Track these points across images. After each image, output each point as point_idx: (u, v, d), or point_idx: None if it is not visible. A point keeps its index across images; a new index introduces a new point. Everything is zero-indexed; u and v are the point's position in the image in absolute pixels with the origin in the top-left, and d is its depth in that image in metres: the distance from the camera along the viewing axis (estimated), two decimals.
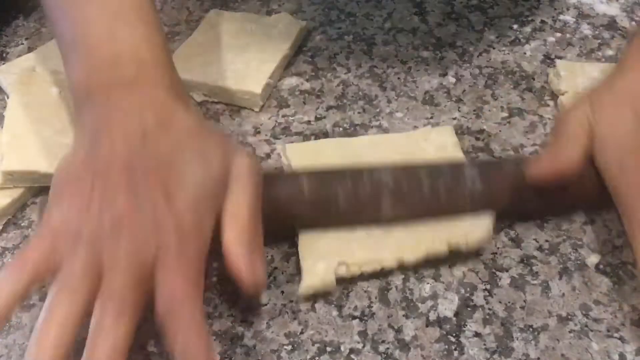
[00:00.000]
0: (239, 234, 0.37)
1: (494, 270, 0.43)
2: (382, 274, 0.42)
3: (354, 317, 0.41)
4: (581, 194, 0.43)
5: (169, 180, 0.37)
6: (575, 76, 0.53)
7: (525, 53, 0.58)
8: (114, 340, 0.33)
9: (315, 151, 0.48)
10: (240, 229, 0.38)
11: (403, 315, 0.41)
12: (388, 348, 0.39)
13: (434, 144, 0.48)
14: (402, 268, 0.42)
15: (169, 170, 0.37)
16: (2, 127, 0.51)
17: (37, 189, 0.48)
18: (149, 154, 0.37)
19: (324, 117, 0.53)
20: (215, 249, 0.38)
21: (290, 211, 0.42)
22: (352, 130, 0.52)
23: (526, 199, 0.43)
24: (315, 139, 0.51)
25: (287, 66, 0.58)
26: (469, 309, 0.41)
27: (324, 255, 0.42)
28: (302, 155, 0.47)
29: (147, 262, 0.35)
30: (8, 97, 0.54)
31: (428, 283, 0.42)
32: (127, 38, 0.43)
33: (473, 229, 0.42)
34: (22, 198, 0.47)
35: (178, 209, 0.36)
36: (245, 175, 0.39)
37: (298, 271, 0.43)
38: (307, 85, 0.56)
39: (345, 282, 0.42)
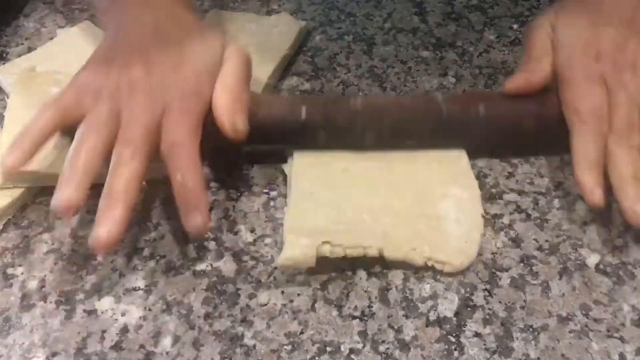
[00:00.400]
0: (226, 90, 0.45)
1: (494, 270, 0.43)
2: (367, 260, 0.43)
3: (354, 317, 0.41)
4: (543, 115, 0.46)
5: (176, 57, 0.46)
6: None
7: None
8: (129, 173, 0.41)
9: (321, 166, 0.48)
10: (228, 88, 0.45)
11: (403, 315, 0.41)
12: (388, 348, 0.39)
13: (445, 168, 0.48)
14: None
15: (177, 50, 0.46)
16: (2, 127, 0.51)
17: (37, 189, 0.48)
18: (161, 40, 0.46)
19: None
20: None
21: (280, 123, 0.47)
22: None
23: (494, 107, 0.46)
24: None
25: (287, 66, 0.58)
26: (469, 309, 0.41)
27: (310, 232, 0.42)
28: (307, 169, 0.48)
29: (156, 114, 0.43)
30: (8, 97, 0.54)
31: (428, 283, 0.42)
32: None
33: (457, 255, 0.42)
34: (22, 198, 0.47)
35: (183, 76, 0.45)
36: (235, 56, 0.47)
37: (298, 271, 0.43)
38: (307, 85, 0.56)
39: (332, 267, 0.42)
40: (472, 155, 0.48)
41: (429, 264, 0.42)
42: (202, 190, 0.42)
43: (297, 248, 0.41)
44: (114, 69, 0.45)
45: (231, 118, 0.44)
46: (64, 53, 0.57)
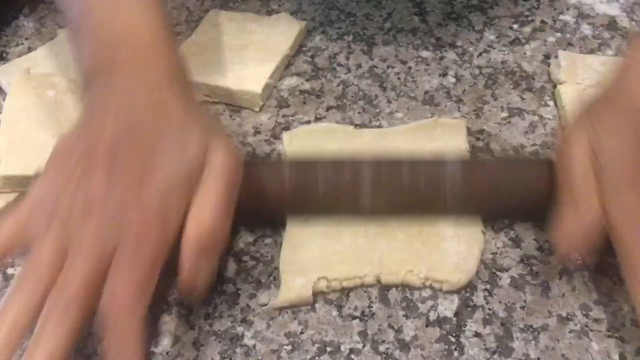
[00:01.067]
0: (195, 234, 0.38)
1: (494, 270, 0.43)
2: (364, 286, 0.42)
3: (354, 317, 0.41)
4: None
5: (145, 166, 0.38)
6: (575, 67, 0.54)
7: (525, 53, 0.58)
8: (50, 346, 0.34)
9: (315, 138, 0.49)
10: (199, 228, 0.38)
11: (403, 315, 0.41)
12: (388, 348, 0.39)
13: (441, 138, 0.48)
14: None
15: (147, 158, 0.38)
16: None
17: None
18: (132, 138, 0.39)
19: (324, 117, 0.53)
20: None
21: (273, 198, 0.43)
22: None
23: (506, 200, 0.43)
24: None
25: (287, 66, 0.58)
26: (469, 309, 0.41)
27: (305, 269, 0.42)
28: (301, 142, 0.48)
29: (106, 253, 0.36)
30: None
31: None
32: (129, 21, 0.45)
33: (454, 273, 0.41)
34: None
35: (145, 202, 0.37)
36: (218, 168, 0.39)
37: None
38: (307, 85, 0.56)
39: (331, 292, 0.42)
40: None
41: (427, 284, 0.42)
42: None
43: (293, 290, 0.41)
44: (74, 178, 0.37)
45: (191, 272, 0.38)
46: (64, 53, 0.57)
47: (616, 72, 0.43)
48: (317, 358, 0.39)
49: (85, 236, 0.36)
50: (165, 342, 0.40)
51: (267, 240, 0.45)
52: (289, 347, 0.40)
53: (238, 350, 0.40)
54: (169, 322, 0.41)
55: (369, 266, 0.42)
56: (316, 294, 0.42)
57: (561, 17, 0.61)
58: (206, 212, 0.38)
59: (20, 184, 0.47)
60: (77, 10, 0.47)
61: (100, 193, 0.37)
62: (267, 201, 0.43)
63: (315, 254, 0.43)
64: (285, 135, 0.51)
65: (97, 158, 0.38)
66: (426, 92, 0.55)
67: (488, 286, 0.42)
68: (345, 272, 0.42)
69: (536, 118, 0.52)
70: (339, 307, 0.41)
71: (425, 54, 0.58)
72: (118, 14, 0.45)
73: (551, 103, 0.53)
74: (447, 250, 0.42)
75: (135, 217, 0.36)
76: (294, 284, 0.41)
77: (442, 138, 0.49)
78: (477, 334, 0.40)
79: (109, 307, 0.35)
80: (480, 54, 0.58)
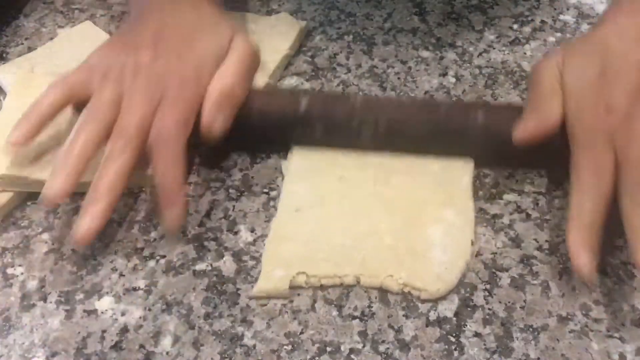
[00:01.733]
0: (218, 86, 0.46)
1: (494, 270, 0.43)
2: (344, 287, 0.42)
3: (354, 317, 0.41)
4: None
5: (184, 45, 0.48)
6: None
7: (525, 53, 0.58)
8: (117, 167, 0.43)
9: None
10: (220, 86, 0.46)
11: (403, 315, 0.41)
12: (388, 348, 0.39)
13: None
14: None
15: (186, 38, 0.48)
16: None
17: (26, 193, 0.48)
18: (175, 26, 0.49)
19: None
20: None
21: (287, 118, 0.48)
22: None
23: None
24: None
25: (287, 66, 0.58)
26: (469, 309, 0.41)
27: (286, 262, 0.42)
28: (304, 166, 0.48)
29: (153, 102, 0.45)
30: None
31: None
32: None
33: (434, 282, 0.41)
34: (10, 203, 0.47)
35: (185, 63, 0.47)
36: (240, 50, 0.49)
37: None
38: (307, 85, 0.56)
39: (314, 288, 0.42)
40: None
41: (405, 290, 0.41)
42: (179, 187, 0.44)
43: (270, 281, 0.42)
44: (124, 51, 0.47)
45: (211, 114, 0.45)
46: (64, 53, 0.57)
47: (594, 25, 0.49)
48: (317, 358, 0.39)
49: (136, 88, 0.45)
50: (165, 342, 0.40)
51: (267, 240, 0.45)
52: (289, 347, 0.40)
53: (238, 350, 0.40)
54: (169, 322, 0.41)
55: (350, 267, 0.42)
56: (294, 288, 0.42)
57: (561, 17, 0.61)
58: (228, 76, 0.47)
59: (13, 184, 0.47)
60: None
61: (147, 61, 0.46)
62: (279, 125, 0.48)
63: (300, 249, 0.43)
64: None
65: (145, 39, 0.48)
66: (426, 92, 0.55)
67: (488, 286, 0.42)
68: (325, 269, 0.42)
69: None
70: (339, 307, 0.41)
71: (425, 54, 0.58)
72: None
73: None
74: (431, 259, 0.42)
75: (176, 78, 0.46)
76: (273, 275, 0.42)
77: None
78: (477, 334, 0.40)
79: (157, 138, 0.44)
80: (480, 54, 0.58)
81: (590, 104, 0.42)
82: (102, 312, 0.42)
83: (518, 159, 0.47)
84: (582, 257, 0.38)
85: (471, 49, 0.58)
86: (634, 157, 0.40)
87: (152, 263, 0.44)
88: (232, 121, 0.46)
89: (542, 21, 0.61)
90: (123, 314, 0.41)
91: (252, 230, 0.46)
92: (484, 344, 0.39)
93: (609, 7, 0.48)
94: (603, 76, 0.42)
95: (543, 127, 0.43)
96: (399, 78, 0.56)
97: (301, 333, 0.40)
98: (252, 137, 0.49)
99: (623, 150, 0.40)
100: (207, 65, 0.47)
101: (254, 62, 0.50)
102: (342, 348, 0.39)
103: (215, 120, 0.45)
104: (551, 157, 0.46)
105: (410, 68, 0.57)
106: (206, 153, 0.50)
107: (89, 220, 0.41)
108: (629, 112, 0.41)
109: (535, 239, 0.44)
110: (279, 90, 0.54)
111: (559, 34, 0.59)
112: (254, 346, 0.40)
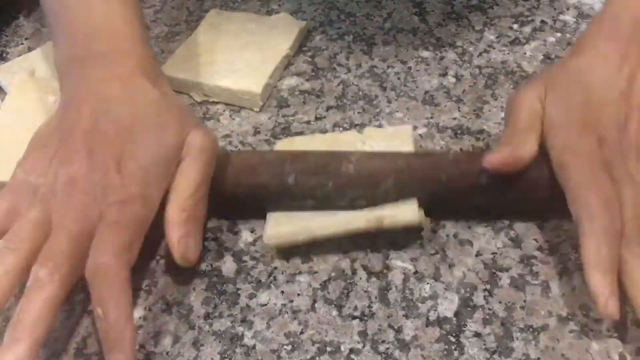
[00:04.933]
0: (179, 206, 0.40)
1: (494, 270, 0.43)
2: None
3: (354, 317, 0.41)
4: (532, 182, 0.43)
5: (124, 148, 0.40)
6: None
7: (525, 53, 0.58)
8: (43, 298, 0.36)
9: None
10: (182, 201, 0.40)
11: (403, 315, 0.41)
12: (388, 348, 0.39)
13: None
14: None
15: (126, 138, 0.41)
16: None
17: None
18: (110, 122, 0.41)
19: (324, 117, 0.53)
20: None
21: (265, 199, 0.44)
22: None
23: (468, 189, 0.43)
24: None
25: (287, 66, 0.58)
26: (469, 309, 0.41)
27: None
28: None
29: (89, 224, 0.38)
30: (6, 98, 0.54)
31: (428, 283, 0.42)
32: (103, 14, 0.47)
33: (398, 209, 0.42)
34: None
35: (126, 176, 0.39)
36: (197, 151, 0.42)
37: (299, 271, 0.43)
38: (307, 85, 0.56)
39: (345, 278, 0.42)
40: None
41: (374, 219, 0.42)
42: (125, 326, 0.36)
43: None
44: (54, 162, 0.40)
45: (183, 247, 0.40)
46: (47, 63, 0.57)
47: (575, 45, 0.47)
48: (317, 358, 0.39)
49: (70, 207, 0.38)
50: (165, 342, 0.40)
51: None
52: (289, 347, 0.40)
53: (238, 350, 0.40)
54: (169, 322, 0.41)
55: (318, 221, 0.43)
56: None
57: (561, 17, 0.61)
58: (188, 194, 0.41)
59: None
60: (53, 7, 0.49)
61: (81, 173, 0.39)
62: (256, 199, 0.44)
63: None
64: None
65: (76, 142, 0.40)
66: (426, 92, 0.55)
67: (488, 286, 0.42)
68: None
69: None
70: (339, 307, 0.41)
71: (425, 54, 0.58)
72: (92, 8, 0.47)
73: None
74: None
75: (118, 192, 0.39)
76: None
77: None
78: (477, 334, 0.40)
79: (95, 272, 0.37)
80: (480, 54, 0.58)
81: (580, 136, 0.41)
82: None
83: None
84: (612, 304, 0.36)
85: (471, 49, 0.58)
86: (630, 200, 0.38)
87: (152, 263, 0.44)
88: (201, 239, 0.43)
89: (542, 21, 0.61)
90: None
91: (252, 231, 0.46)
92: (484, 344, 0.39)
93: (589, 29, 0.46)
94: (589, 107, 0.41)
95: (514, 161, 0.41)
96: (399, 78, 0.56)
97: (301, 333, 0.40)
98: (230, 208, 0.46)
99: (619, 188, 0.39)
100: (153, 177, 0.40)
101: (212, 161, 0.43)
102: (342, 348, 0.39)
103: (189, 251, 0.41)
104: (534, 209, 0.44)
105: (410, 68, 0.57)
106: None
107: None
108: (621, 145, 0.40)
109: (535, 239, 0.44)
110: (260, 161, 0.45)
111: (559, 34, 0.59)
112: (254, 346, 0.40)
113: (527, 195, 0.43)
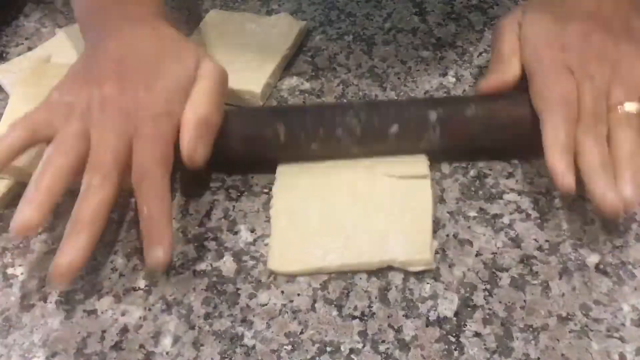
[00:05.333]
0: (193, 116, 0.44)
1: (494, 270, 0.43)
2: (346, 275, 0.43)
3: (354, 317, 0.41)
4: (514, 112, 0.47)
5: (150, 75, 0.45)
6: None
7: None
8: (98, 200, 0.40)
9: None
10: (196, 112, 0.44)
11: (403, 315, 0.41)
12: (388, 348, 0.39)
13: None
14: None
15: (151, 68, 0.45)
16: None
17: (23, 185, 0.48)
18: (137, 54, 0.46)
19: None
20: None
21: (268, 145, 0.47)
22: None
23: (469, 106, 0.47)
24: None
25: (287, 66, 0.58)
26: (469, 309, 0.41)
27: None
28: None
29: (126, 137, 0.43)
30: (9, 97, 0.54)
31: (428, 283, 0.42)
32: None
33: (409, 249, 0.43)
34: (12, 191, 0.48)
35: (155, 96, 0.44)
36: (209, 74, 0.46)
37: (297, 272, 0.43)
38: (307, 85, 0.56)
39: (344, 279, 0.42)
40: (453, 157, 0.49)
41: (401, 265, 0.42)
42: (166, 224, 0.41)
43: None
44: (88, 85, 0.44)
45: (191, 145, 0.43)
46: (63, 52, 0.57)
47: None
48: (317, 358, 0.39)
49: (106, 123, 0.43)
50: (165, 342, 0.40)
51: (267, 240, 0.45)
52: (289, 347, 0.40)
53: (238, 350, 0.40)
54: (169, 322, 0.41)
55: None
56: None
57: None
58: (201, 104, 0.45)
59: (10, 172, 0.47)
60: None
61: (113, 94, 0.44)
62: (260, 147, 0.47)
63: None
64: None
65: (107, 69, 0.45)
66: (426, 92, 0.55)
67: (488, 286, 0.42)
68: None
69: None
70: (339, 307, 0.41)
71: (425, 54, 0.58)
72: None
73: None
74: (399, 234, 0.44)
75: (147, 113, 0.43)
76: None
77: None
78: (477, 334, 0.40)
79: (141, 177, 0.42)
80: (480, 54, 0.58)
81: (545, 46, 0.46)
82: (102, 312, 0.42)
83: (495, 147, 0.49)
84: (567, 177, 0.41)
85: (471, 49, 0.58)
86: (587, 94, 0.44)
87: None
88: (211, 147, 0.45)
89: None
90: (123, 314, 0.41)
91: (252, 230, 0.46)
92: (484, 344, 0.39)
93: None
94: (558, 23, 0.47)
95: (502, 83, 0.47)
96: (399, 78, 0.56)
97: (301, 333, 0.40)
98: (232, 160, 0.48)
99: (579, 84, 0.44)
100: (177, 96, 0.45)
101: (223, 85, 0.48)
102: (342, 348, 0.39)
103: (196, 151, 0.44)
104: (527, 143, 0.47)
105: (410, 68, 0.57)
106: (184, 177, 0.49)
107: (72, 254, 0.39)
108: (583, 52, 0.45)
109: (535, 239, 0.44)
110: (256, 111, 0.51)
111: None
112: (254, 346, 0.40)
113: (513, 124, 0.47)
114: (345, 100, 0.54)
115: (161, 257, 0.40)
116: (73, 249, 0.39)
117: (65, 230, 0.40)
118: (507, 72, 0.47)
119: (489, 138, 0.47)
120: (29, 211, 0.39)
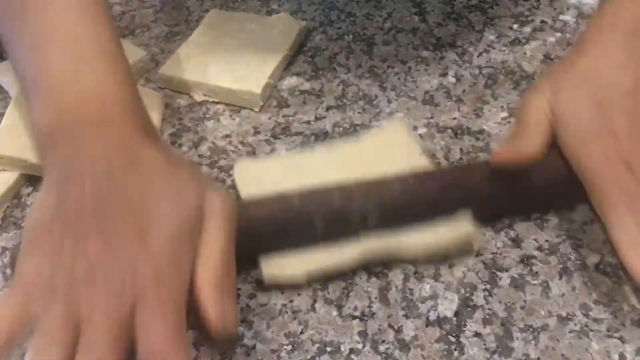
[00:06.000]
0: (211, 277, 0.36)
1: (494, 270, 0.43)
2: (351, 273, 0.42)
3: (354, 317, 0.41)
4: (548, 179, 0.43)
5: (141, 223, 0.35)
6: None
7: (525, 53, 0.58)
8: None
9: (264, 170, 0.47)
10: (213, 271, 0.36)
11: (403, 315, 0.41)
12: (388, 348, 0.39)
13: (389, 147, 0.47)
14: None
15: (140, 212, 0.36)
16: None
17: (28, 176, 0.49)
18: (118, 196, 0.36)
19: (324, 117, 0.53)
20: None
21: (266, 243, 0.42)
22: (352, 131, 0.52)
23: (493, 192, 0.43)
24: (315, 139, 0.51)
25: (287, 66, 0.58)
26: (469, 309, 0.41)
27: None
28: (251, 175, 0.47)
29: (125, 311, 0.33)
30: (9, 97, 0.54)
31: (428, 283, 0.42)
32: (91, 78, 0.42)
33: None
34: (16, 186, 0.49)
35: (153, 252, 0.35)
36: (219, 214, 0.38)
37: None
38: (307, 85, 0.56)
39: (345, 281, 0.42)
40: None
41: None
42: None
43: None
44: (66, 249, 0.34)
45: (221, 321, 0.36)
46: None
47: (577, 44, 0.47)
48: (317, 358, 0.39)
49: (97, 299, 0.33)
50: None
51: None
52: (289, 347, 0.40)
53: (238, 350, 0.40)
54: None
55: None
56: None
57: (561, 17, 0.61)
58: (216, 258, 0.37)
59: (13, 165, 0.48)
60: (32, 66, 0.43)
61: (100, 257, 0.34)
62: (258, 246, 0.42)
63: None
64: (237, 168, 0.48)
65: (85, 224, 0.35)
66: (426, 92, 0.55)
67: (488, 286, 0.42)
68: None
69: None
70: (339, 307, 0.41)
71: (425, 54, 0.58)
72: (79, 72, 0.42)
73: None
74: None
75: (148, 270, 0.34)
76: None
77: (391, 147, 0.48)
78: (477, 334, 0.40)
79: (153, 351, 0.33)
80: (480, 54, 0.58)
81: (595, 136, 0.41)
82: None
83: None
84: None
85: (471, 49, 0.58)
86: None
87: None
88: (236, 303, 0.39)
89: (542, 21, 0.61)
90: None
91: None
92: (484, 344, 0.39)
93: (590, 26, 0.47)
94: (599, 108, 0.42)
95: (520, 156, 0.42)
96: (399, 78, 0.56)
97: (301, 333, 0.40)
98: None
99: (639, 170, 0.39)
100: (181, 246, 0.36)
101: (234, 221, 0.39)
102: (342, 348, 0.39)
103: (226, 318, 0.36)
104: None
105: (410, 68, 0.57)
106: None
107: None
108: (632, 135, 0.40)
109: (535, 239, 0.44)
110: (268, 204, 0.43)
111: (559, 34, 0.59)
112: (254, 346, 0.40)
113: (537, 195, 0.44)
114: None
115: None
116: None
117: None
118: (526, 146, 0.43)
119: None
120: None
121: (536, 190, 0.44)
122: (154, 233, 0.35)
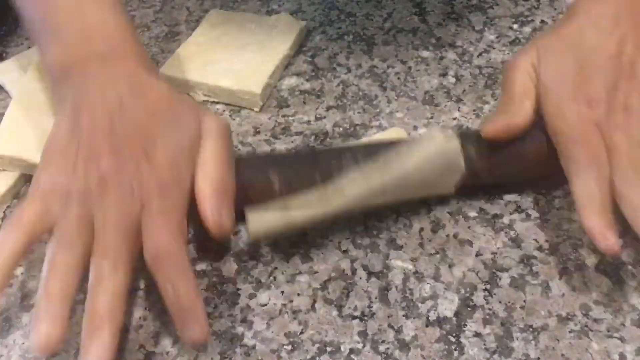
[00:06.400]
0: (208, 183, 0.41)
1: (494, 270, 0.43)
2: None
3: (354, 317, 0.41)
4: (531, 148, 0.44)
5: (147, 142, 0.41)
6: None
7: None
8: (113, 288, 0.37)
9: None
10: (210, 178, 0.41)
11: (403, 315, 0.41)
12: (388, 348, 0.39)
13: None
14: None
15: (147, 133, 0.41)
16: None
17: (28, 176, 0.49)
18: (127, 120, 0.41)
19: (324, 117, 0.53)
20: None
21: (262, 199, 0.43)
22: (352, 131, 0.52)
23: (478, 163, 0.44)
24: (315, 139, 0.51)
25: (287, 66, 0.58)
26: (469, 309, 0.41)
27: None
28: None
29: (133, 216, 0.39)
30: (9, 96, 0.54)
31: (428, 283, 0.42)
32: (96, 14, 0.47)
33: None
34: (17, 185, 0.49)
35: (158, 166, 0.40)
36: (215, 132, 0.43)
37: (298, 271, 0.43)
38: (307, 85, 0.56)
39: (346, 279, 0.42)
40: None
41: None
42: (197, 301, 0.38)
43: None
44: (80, 163, 0.39)
45: (217, 217, 0.40)
46: None
47: (566, 13, 0.48)
48: (317, 358, 0.39)
49: (109, 205, 0.38)
50: (165, 342, 0.40)
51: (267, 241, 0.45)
52: (289, 347, 0.40)
53: (238, 350, 0.40)
54: (168, 322, 0.41)
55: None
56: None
57: (561, 17, 0.61)
58: (214, 167, 0.41)
59: (13, 165, 0.49)
60: (39, 10, 0.48)
61: (111, 170, 0.39)
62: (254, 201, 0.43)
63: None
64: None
65: (98, 141, 0.40)
66: (426, 92, 0.55)
67: (488, 286, 0.42)
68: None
69: None
70: (339, 307, 0.41)
71: (425, 54, 0.58)
72: (84, 13, 0.47)
73: None
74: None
75: (153, 182, 0.39)
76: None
77: None
78: (477, 334, 0.40)
79: (157, 257, 0.38)
80: (480, 54, 0.58)
81: (570, 100, 0.42)
82: None
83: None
84: (610, 238, 0.38)
85: (471, 49, 0.58)
86: (621, 145, 0.40)
87: None
88: (233, 211, 0.42)
89: (542, 21, 0.61)
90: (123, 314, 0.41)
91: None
92: (484, 344, 0.39)
93: None
94: (580, 71, 0.43)
95: (512, 126, 0.43)
96: (399, 78, 0.56)
97: (301, 333, 0.40)
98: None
99: (609, 141, 0.41)
100: (182, 161, 0.41)
101: (230, 140, 0.44)
102: (342, 348, 0.39)
103: (222, 219, 0.40)
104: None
105: (410, 68, 0.57)
106: None
107: (98, 355, 0.35)
108: (610, 104, 0.42)
109: (535, 239, 0.44)
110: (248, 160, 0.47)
111: None
112: (254, 346, 0.40)
113: (525, 166, 0.45)
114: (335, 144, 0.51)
115: (201, 336, 0.37)
116: (98, 348, 0.35)
117: (83, 326, 0.36)
118: (517, 115, 0.43)
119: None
120: (46, 327, 0.35)
121: (524, 156, 0.44)
122: (158, 151, 0.40)
